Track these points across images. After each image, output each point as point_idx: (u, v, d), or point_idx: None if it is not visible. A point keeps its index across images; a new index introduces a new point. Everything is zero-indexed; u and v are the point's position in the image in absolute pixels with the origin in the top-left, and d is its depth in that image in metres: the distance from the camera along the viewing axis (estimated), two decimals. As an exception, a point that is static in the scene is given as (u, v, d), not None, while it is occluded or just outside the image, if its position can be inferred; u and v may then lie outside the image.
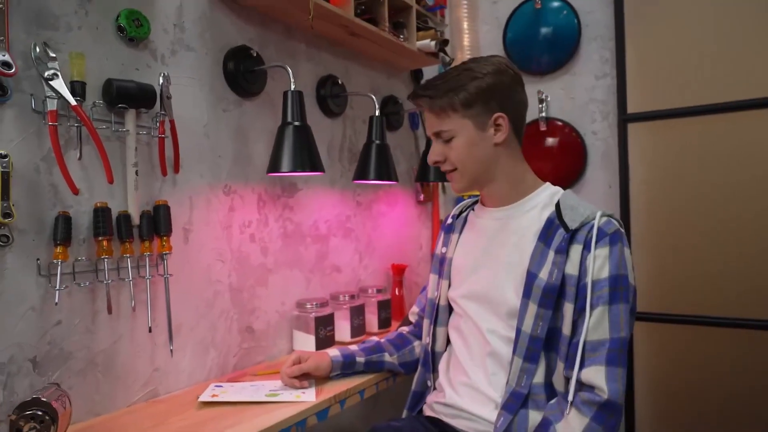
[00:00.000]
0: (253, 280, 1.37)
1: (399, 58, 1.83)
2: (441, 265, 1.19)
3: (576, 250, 0.97)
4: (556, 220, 1.02)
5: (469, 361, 1.08)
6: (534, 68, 2.21)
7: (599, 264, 0.96)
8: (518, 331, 1.00)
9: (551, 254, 0.99)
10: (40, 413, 0.83)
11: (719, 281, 1.85)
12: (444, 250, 1.20)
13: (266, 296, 1.40)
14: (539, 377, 0.99)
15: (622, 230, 1.01)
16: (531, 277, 1.00)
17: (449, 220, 1.24)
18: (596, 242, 0.96)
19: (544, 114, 2.17)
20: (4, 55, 0.88)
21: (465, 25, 2.29)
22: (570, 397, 0.92)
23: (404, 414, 1.21)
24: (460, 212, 1.24)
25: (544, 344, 0.98)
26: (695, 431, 1.89)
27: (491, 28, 2.32)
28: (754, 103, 1.78)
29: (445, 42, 1.85)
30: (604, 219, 1.00)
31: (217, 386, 1.16)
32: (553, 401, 0.97)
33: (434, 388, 1.17)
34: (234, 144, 1.33)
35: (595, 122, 2.13)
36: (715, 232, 1.86)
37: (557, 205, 1.04)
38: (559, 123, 2.17)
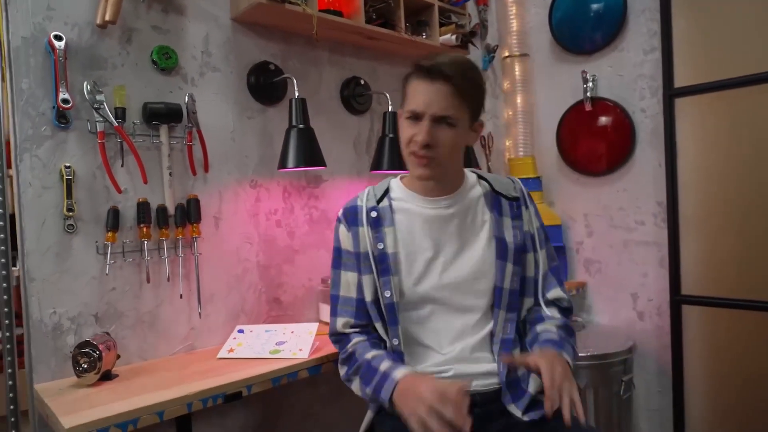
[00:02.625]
0: (279, 259, 1.62)
1: (425, 54, 1.95)
2: (382, 262, 1.12)
3: (524, 211, 1.22)
4: (492, 192, 1.21)
5: (451, 339, 1.15)
6: (583, 47, 2.18)
7: (534, 218, 1.24)
8: (499, 290, 1.15)
9: (507, 221, 1.19)
10: (90, 351, 1.16)
11: (774, 264, 1.73)
12: (381, 245, 1.13)
13: (293, 273, 1.65)
14: (519, 319, 1.19)
15: None
16: (502, 242, 1.16)
17: (373, 213, 1.16)
18: (528, 202, 1.24)
19: (589, 94, 2.14)
20: (64, 94, 1.21)
21: (514, 9, 2.33)
22: (543, 309, 1.21)
23: (368, 415, 1.18)
24: (377, 202, 1.18)
25: (518, 293, 1.18)
26: (746, 418, 1.80)
27: (539, 9, 2.32)
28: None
29: (472, 33, 1.93)
30: (519, 182, 1.26)
31: (239, 331, 1.45)
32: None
33: None
34: (259, 145, 1.58)
35: (644, 99, 2.07)
36: (773, 211, 1.73)
37: (482, 179, 1.23)
38: (606, 102, 2.13)
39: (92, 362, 1.16)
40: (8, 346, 1.19)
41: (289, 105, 1.48)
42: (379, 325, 1.16)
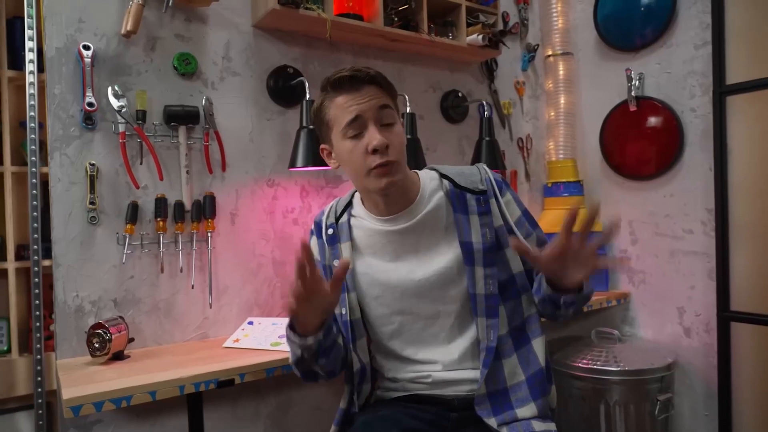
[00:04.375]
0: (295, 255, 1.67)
1: (456, 53, 1.93)
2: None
3: (493, 204, 1.11)
4: (456, 190, 1.11)
5: (430, 346, 1.13)
6: (630, 44, 2.07)
7: (512, 207, 1.14)
8: (473, 296, 1.08)
9: (474, 219, 1.09)
10: (102, 333, 1.27)
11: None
12: (336, 263, 1.13)
13: (308, 270, 1.70)
14: (503, 328, 1.10)
15: None
16: (467, 246, 1.09)
17: (330, 230, 1.16)
18: (500, 191, 1.13)
19: (633, 93, 2.02)
20: (90, 98, 1.34)
21: (558, 7, 2.25)
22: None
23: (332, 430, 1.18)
24: (336, 219, 1.18)
25: (500, 298, 1.09)
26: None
27: (585, 6, 2.23)
28: None
29: (502, 33, 1.88)
30: (489, 170, 1.15)
31: (249, 323, 1.51)
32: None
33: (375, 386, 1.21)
34: (277, 146, 1.65)
35: (694, 97, 1.92)
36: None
37: (444, 177, 1.13)
38: (653, 101, 2.00)
39: (103, 343, 1.27)
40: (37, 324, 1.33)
41: (301, 106, 1.53)
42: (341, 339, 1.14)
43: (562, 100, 2.24)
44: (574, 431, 1.87)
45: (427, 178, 1.15)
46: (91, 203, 1.35)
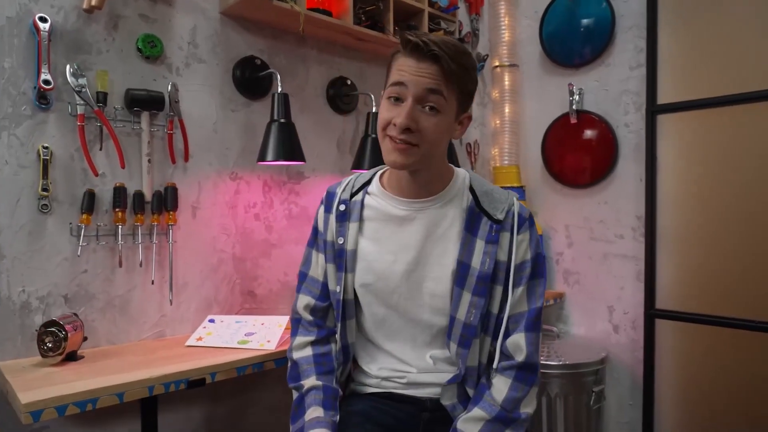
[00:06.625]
0: (256, 252, 1.63)
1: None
2: (339, 257, 1.10)
3: (505, 237, 1.06)
4: (476, 209, 1.07)
5: (410, 347, 1.13)
6: (571, 61, 2.21)
7: (523, 248, 1.07)
8: (452, 319, 1.05)
9: (479, 243, 1.05)
10: (56, 331, 1.16)
11: (750, 282, 1.75)
12: (341, 240, 1.10)
13: (268, 267, 1.66)
14: (473, 361, 1.06)
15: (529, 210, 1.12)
16: (463, 267, 1.04)
17: (341, 206, 1.12)
18: (518, 228, 1.07)
19: (574, 107, 2.17)
20: (46, 75, 1.22)
21: (505, 21, 2.36)
22: (495, 365, 1.05)
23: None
24: (351, 195, 1.13)
25: (478, 331, 1.04)
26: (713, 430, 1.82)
27: (531, 22, 2.35)
28: (789, 91, 1.65)
29: (462, 41, 1.95)
30: (518, 204, 1.10)
31: (210, 321, 1.45)
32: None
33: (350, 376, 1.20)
34: (241, 138, 1.60)
35: (628, 114, 2.10)
36: (749, 230, 1.76)
37: (473, 191, 1.10)
38: (592, 116, 2.16)
39: (57, 342, 1.16)
40: (-25, 321, 1.19)
41: (272, 99, 1.50)
42: (332, 315, 1.15)
43: (507, 109, 2.36)
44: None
45: (460, 180, 1.12)
46: (44, 190, 1.23)
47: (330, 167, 1.81)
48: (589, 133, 2.18)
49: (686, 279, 1.90)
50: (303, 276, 1.18)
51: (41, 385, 1.05)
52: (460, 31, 2.17)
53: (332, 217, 1.13)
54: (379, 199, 1.12)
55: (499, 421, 1.01)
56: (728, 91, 1.78)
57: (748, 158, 1.75)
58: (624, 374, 2.10)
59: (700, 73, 1.85)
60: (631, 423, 2.08)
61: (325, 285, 1.15)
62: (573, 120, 2.19)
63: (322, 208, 1.17)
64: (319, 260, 1.16)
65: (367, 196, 1.13)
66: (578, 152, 2.21)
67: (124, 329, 1.38)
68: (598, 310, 2.17)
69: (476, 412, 1.02)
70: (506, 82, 2.36)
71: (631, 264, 2.08)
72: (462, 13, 2.28)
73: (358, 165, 1.72)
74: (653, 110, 1.95)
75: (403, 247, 1.09)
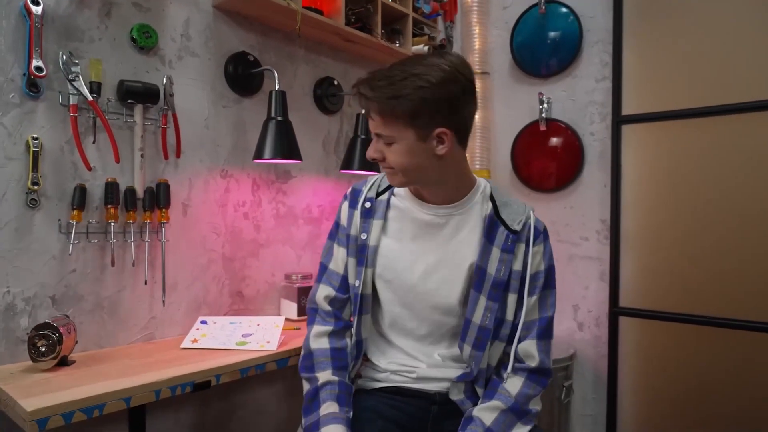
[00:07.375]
0: (245, 252, 1.60)
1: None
2: (361, 252, 1.13)
3: (520, 248, 1.10)
4: (494, 217, 1.10)
5: (423, 344, 1.16)
6: (540, 71, 2.31)
7: (537, 259, 1.12)
8: (467, 321, 1.08)
9: (496, 251, 1.08)
10: (50, 333, 1.09)
11: (709, 280, 1.89)
12: (364, 236, 1.13)
13: (257, 267, 1.63)
14: (484, 363, 1.09)
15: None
16: (481, 272, 1.08)
17: (367, 204, 1.15)
18: (534, 240, 1.11)
19: (544, 115, 2.28)
20: (37, 62, 1.15)
21: (476, 29, 2.44)
22: (509, 368, 1.09)
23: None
24: (377, 194, 1.16)
25: (492, 334, 1.08)
26: (675, 428, 1.95)
27: (501, 32, 2.44)
28: (747, 106, 1.81)
29: (441, 46, 2.00)
30: (535, 216, 1.14)
31: (202, 322, 1.41)
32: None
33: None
34: (232, 135, 1.56)
35: (593, 123, 2.21)
36: (705, 232, 1.90)
37: (493, 200, 1.13)
38: (560, 124, 2.27)
39: (51, 345, 1.09)
40: (-46, 325, 1.10)
41: (269, 97, 1.47)
42: (348, 310, 1.17)
43: (478, 116, 2.44)
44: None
45: (481, 189, 1.15)
46: (34, 183, 1.16)
47: (316, 167, 1.81)
48: (556, 141, 2.29)
49: (648, 278, 2.03)
50: (324, 268, 1.19)
51: (41, 391, 0.99)
52: (438, 38, 2.22)
53: (357, 213, 1.15)
54: (405, 201, 1.14)
55: (513, 412, 1.06)
56: (688, 105, 1.93)
57: (706, 166, 1.90)
58: (588, 369, 2.22)
59: (663, 87, 1.99)
60: (594, 416, 2.19)
61: (344, 278, 1.16)
62: (542, 127, 2.29)
63: (346, 204, 1.19)
64: (339, 253, 1.17)
65: (393, 197, 1.16)
66: (546, 158, 2.31)
67: (112, 332, 1.31)
68: (563, 309, 2.28)
69: (493, 402, 1.06)
70: (477, 90, 2.43)
71: (596, 265, 2.20)
72: (438, 21, 2.34)
73: (347, 165, 1.73)
74: (618, 120, 2.08)
75: (423, 249, 1.12)
